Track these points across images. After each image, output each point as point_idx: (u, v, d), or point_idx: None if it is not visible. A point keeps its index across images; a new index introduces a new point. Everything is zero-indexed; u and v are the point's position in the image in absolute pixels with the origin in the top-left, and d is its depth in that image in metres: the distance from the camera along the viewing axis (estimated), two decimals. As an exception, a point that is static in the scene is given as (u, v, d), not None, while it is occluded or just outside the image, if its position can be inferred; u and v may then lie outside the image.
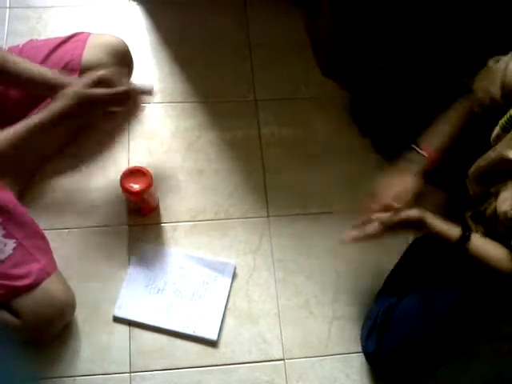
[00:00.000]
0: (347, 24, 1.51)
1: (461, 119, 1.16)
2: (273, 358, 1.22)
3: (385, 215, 1.04)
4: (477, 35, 1.55)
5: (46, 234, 1.21)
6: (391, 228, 1.04)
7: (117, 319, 1.21)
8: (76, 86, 1.07)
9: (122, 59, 1.35)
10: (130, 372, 1.18)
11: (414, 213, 1.04)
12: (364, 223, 1.05)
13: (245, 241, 1.33)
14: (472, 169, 1.12)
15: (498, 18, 1.54)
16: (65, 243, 1.27)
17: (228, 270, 1.28)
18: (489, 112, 1.08)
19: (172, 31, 1.59)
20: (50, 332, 1.14)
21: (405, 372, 1.22)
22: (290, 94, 1.53)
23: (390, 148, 1.34)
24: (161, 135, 1.44)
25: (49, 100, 1.12)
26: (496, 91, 1.04)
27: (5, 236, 1.11)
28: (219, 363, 1.20)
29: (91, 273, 1.25)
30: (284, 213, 1.37)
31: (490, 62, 1.07)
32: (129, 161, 1.39)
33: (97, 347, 1.19)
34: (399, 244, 1.27)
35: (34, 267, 1.11)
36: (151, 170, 1.22)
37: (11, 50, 1.25)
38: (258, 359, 1.21)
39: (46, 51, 1.25)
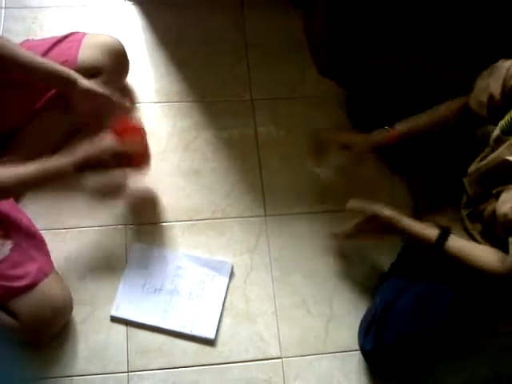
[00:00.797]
0: (344, 22, 1.52)
1: (443, 114, 1.19)
2: (270, 357, 1.22)
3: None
4: (476, 35, 1.56)
5: (44, 234, 1.22)
6: (363, 228, 1.13)
7: (114, 319, 1.21)
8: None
9: (118, 59, 1.35)
10: (128, 371, 1.18)
11: (385, 211, 1.10)
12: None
13: (242, 240, 1.33)
14: (472, 169, 1.13)
15: (498, 18, 1.54)
16: (62, 243, 1.27)
17: (225, 269, 1.28)
18: (487, 111, 1.09)
19: (168, 31, 1.59)
20: (47, 332, 1.14)
21: (402, 369, 1.22)
22: (286, 94, 1.53)
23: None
24: (158, 135, 1.44)
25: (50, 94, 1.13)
26: (496, 87, 1.04)
27: (2, 237, 1.11)
28: (217, 362, 1.20)
29: (88, 273, 1.25)
30: (281, 212, 1.37)
31: (500, 61, 1.08)
32: (126, 161, 1.39)
33: (95, 347, 1.19)
34: (396, 244, 1.28)
35: (32, 268, 1.11)
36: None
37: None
38: (255, 358, 1.22)
39: (41, 51, 1.25)
